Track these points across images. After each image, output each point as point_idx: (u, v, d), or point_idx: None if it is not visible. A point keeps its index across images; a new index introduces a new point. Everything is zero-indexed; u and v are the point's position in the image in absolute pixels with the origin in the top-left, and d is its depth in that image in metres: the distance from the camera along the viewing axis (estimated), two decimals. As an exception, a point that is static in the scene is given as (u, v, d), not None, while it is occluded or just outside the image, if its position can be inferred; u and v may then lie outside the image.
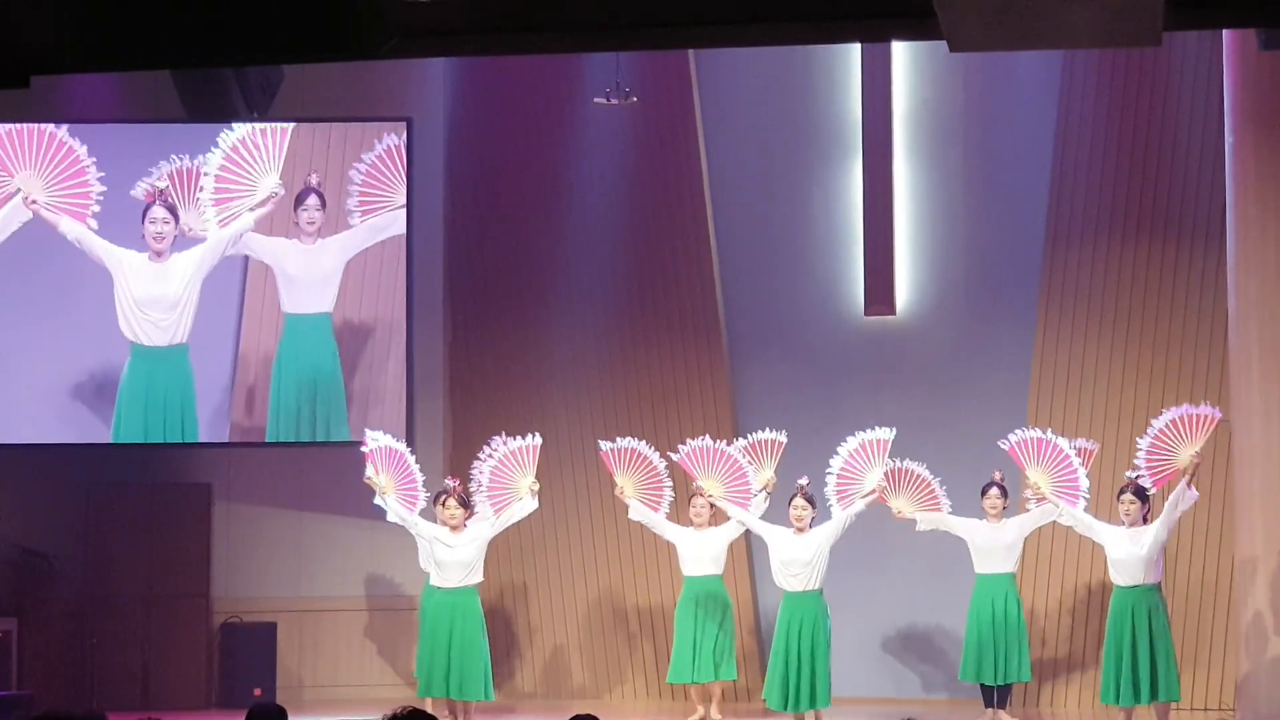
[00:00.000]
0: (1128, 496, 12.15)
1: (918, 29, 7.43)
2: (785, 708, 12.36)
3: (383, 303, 14.05)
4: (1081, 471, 12.34)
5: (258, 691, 13.85)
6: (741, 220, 14.59)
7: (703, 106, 14.58)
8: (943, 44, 7.07)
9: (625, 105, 13.77)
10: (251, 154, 13.76)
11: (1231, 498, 12.83)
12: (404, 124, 14.06)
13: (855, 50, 14.28)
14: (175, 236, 13.70)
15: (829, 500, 12.55)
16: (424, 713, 5.18)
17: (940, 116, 14.37)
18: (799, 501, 12.50)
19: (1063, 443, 12.42)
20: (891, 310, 14.29)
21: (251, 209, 13.73)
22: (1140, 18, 6.47)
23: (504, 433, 13.04)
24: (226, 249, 13.76)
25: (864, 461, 12.56)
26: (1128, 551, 12.02)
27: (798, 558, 12.41)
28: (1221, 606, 13.23)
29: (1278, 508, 12.36)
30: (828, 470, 12.57)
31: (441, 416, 14.68)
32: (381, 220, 13.96)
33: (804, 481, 12.53)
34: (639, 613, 14.32)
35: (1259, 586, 12.43)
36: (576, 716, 6.33)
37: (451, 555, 12.57)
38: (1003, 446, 12.54)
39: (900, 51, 14.29)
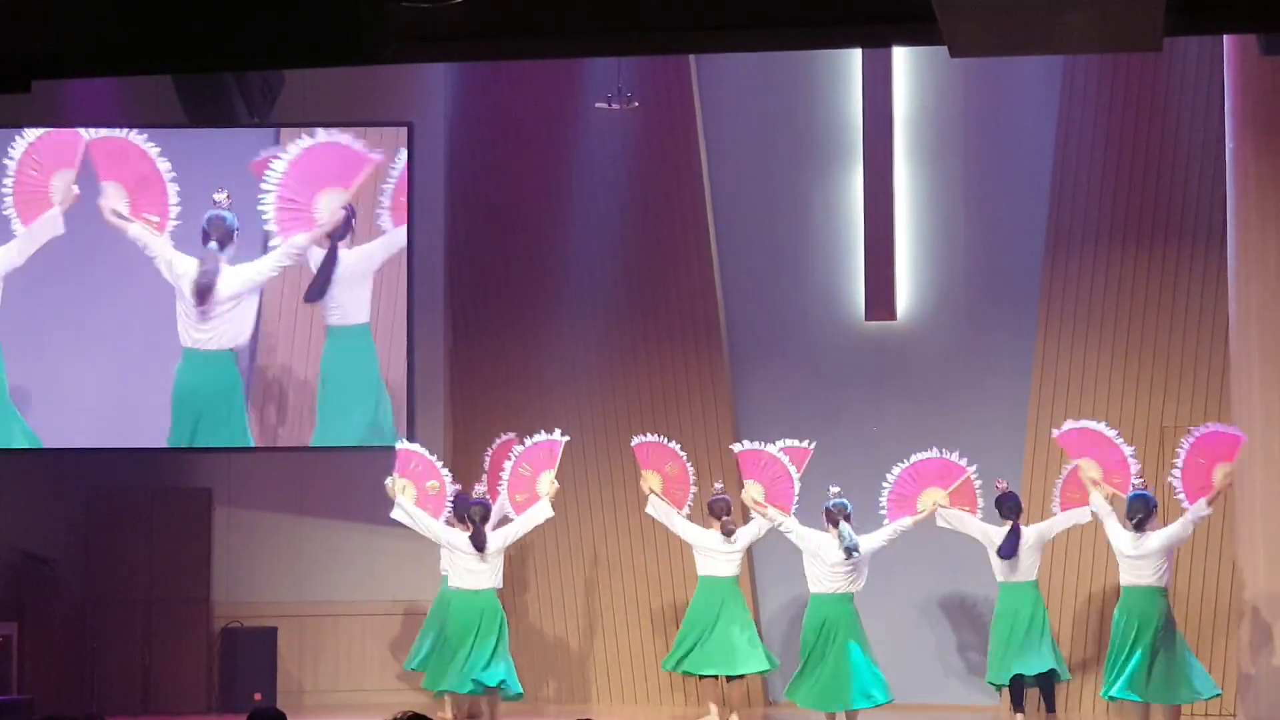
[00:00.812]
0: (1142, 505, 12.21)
1: (918, 34, 7.44)
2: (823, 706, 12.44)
3: (384, 306, 14.06)
4: (1133, 464, 12.33)
5: (258, 696, 13.84)
6: (742, 225, 14.59)
7: (704, 111, 14.58)
8: (943, 49, 7.07)
9: (626, 110, 13.78)
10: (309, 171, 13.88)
11: (1232, 503, 12.83)
12: (407, 130, 14.09)
13: (856, 55, 14.28)
14: None
15: (881, 511, 12.69)
16: (422, 716, 5.18)
17: (941, 122, 14.36)
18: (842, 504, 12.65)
19: (1109, 431, 12.41)
20: (892, 316, 14.29)
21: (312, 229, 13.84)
22: (1140, 23, 6.47)
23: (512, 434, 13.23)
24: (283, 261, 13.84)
25: (916, 483, 12.65)
26: (1144, 549, 12.06)
27: (842, 560, 12.50)
28: (1222, 611, 13.23)
29: (1278, 513, 12.36)
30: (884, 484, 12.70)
31: (442, 421, 14.68)
32: (402, 232, 14.03)
33: (837, 489, 12.61)
34: (640, 613, 14.31)
35: (1259, 591, 12.44)
36: (576, 721, 6.32)
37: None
38: (1053, 434, 12.55)
39: (901, 57, 14.29)
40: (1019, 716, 12.61)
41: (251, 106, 13.56)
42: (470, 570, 12.71)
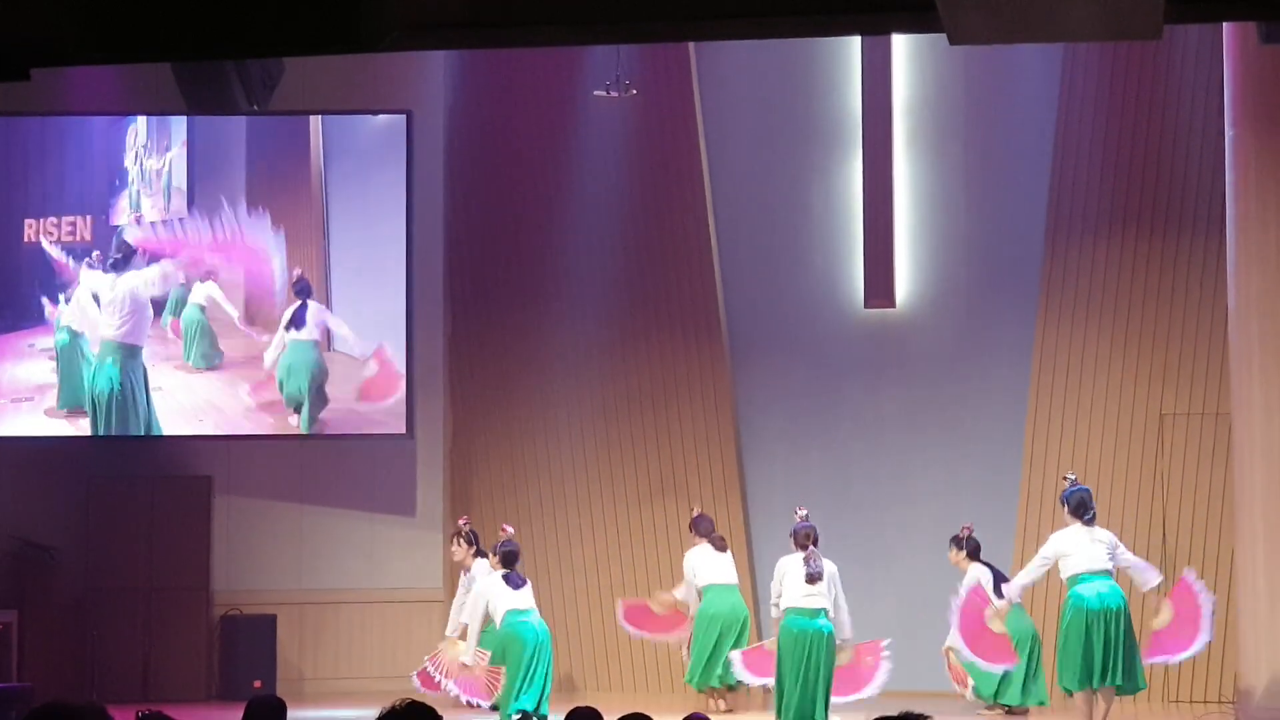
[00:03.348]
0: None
1: (918, 21, 7.41)
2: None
3: (383, 298, 14.07)
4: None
5: (258, 683, 13.86)
6: (742, 213, 14.59)
7: (703, 99, 14.58)
8: (943, 37, 7.05)
9: (626, 98, 13.78)
10: None
11: (1231, 493, 12.83)
12: (406, 119, 14.11)
13: (855, 43, 14.27)
14: None
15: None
16: (422, 704, 5.19)
17: (940, 110, 14.36)
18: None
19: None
20: (891, 303, 14.28)
21: None
22: (1141, 11, 6.46)
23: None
24: None
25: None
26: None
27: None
28: (1221, 602, 13.22)
29: (1278, 503, 12.35)
30: None
31: (442, 412, 14.68)
32: None
33: (804, 512, 12.26)
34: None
35: (1259, 582, 12.42)
36: (576, 708, 6.32)
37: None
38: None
39: (900, 44, 14.28)
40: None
41: (251, 94, 13.53)
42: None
